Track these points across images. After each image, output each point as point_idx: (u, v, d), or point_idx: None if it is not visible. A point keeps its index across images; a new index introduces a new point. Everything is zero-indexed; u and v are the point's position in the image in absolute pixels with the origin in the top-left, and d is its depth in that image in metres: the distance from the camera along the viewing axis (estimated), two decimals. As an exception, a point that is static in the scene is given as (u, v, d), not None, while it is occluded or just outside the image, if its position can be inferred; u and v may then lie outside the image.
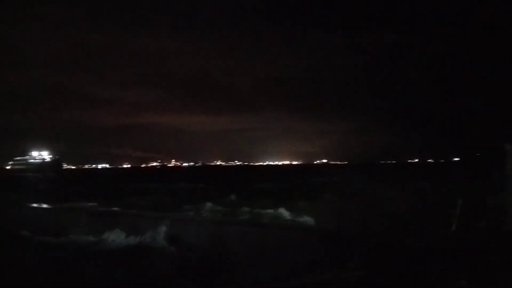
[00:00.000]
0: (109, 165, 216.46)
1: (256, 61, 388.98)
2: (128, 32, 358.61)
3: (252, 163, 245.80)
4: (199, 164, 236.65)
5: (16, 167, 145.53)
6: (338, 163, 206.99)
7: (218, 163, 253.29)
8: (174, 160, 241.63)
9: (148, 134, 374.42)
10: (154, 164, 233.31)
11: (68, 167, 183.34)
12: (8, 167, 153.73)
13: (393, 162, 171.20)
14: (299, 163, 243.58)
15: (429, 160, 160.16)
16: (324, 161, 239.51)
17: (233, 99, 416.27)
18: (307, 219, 14.68)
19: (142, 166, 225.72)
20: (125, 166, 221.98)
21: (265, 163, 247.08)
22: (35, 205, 17.53)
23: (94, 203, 17.43)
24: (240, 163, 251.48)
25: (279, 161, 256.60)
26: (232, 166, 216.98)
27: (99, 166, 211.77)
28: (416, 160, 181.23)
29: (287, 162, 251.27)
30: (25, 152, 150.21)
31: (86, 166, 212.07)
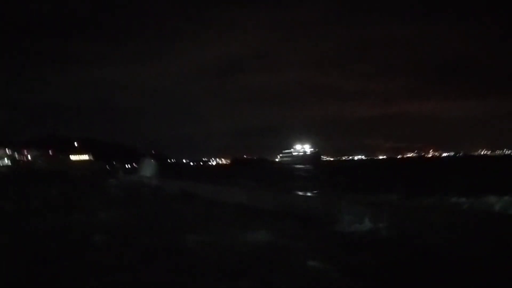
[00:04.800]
0: (365, 157, 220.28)
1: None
2: (370, 23, 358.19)
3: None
4: (461, 154, 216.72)
5: (284, 159, 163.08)
6: None
7: (483, 152, 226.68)
8: (432, 150, 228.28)
9: (400, 123, 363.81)
10: (410, 154, 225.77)
11: (327, 159, 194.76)
12: (277, 160, 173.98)
13: None
14: None
15: None
16: None
17: (497, 80, 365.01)
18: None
19: (398, 157, 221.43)
20: (380, 157, 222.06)
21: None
22: (300, 193, 19.13)
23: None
24: (510, 152, 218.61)
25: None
26: (500, 156, 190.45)
27: (356, 158, 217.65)
28: None
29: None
30: (291, 146, 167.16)
31: (343, 158, 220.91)
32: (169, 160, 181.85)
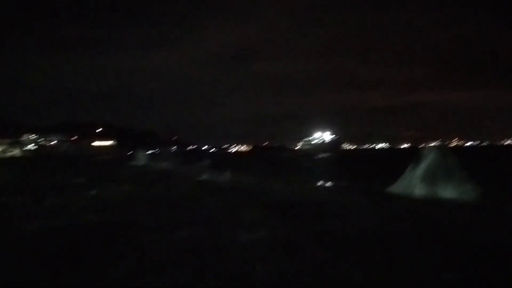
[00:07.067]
0: (388, 145, 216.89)
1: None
2: (389, 11, 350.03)
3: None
4: (485, 143, 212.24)
5: (305, 147, 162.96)
6: None
7: (507, 142, 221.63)
8: (456, 139, 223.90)
9: (422, 113, 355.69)
10: (434, 143, 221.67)
11: (349, 147, 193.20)
12: (297, 147, 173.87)
13: None
14: None
15: None
16: None
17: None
18: None
19: (420, 146, 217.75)
20: (402, 146, 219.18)
21: None
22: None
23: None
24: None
25: None
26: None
27: (377, 146, 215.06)
28: None
29: None
30: (312, 133, 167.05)
31: (365, 146, 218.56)
32: (190, 147, 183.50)
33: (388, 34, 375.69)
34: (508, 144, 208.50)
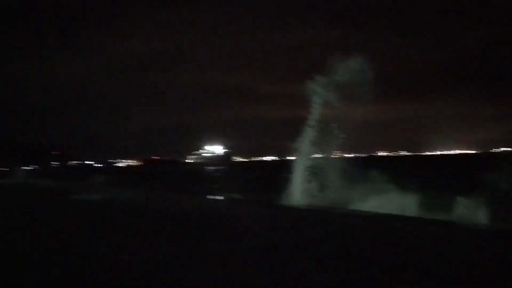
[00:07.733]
0: (277, 157, 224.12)
1: (420, 45, 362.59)
2: (281, 28, 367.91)
3: (420, 153, 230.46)
4: (364, 155, 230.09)
5: (196, 160, 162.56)
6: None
7: (381, 153, 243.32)
8: (339, 152, 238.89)
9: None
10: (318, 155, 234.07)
11: (239, 159, 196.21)
12: (189, 160, 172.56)
13: None
14: (475, 152, 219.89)
15: None
16: (507, 149, 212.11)
17: (396, 86, 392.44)
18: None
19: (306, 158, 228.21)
20: (290, 158, 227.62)
21: (435, 153, 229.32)
22: (210, 197, 19.51)
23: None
24: (407, 153, 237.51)
25: (451, 150, 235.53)
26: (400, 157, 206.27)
27: (267, 158, 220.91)
28: None
29: (459, 152, 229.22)
30: (201, 147, 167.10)
31: (255, 158, 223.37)
32: (74, 161, 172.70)
33: (281, 52, 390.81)
34: (382, 155, 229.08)
